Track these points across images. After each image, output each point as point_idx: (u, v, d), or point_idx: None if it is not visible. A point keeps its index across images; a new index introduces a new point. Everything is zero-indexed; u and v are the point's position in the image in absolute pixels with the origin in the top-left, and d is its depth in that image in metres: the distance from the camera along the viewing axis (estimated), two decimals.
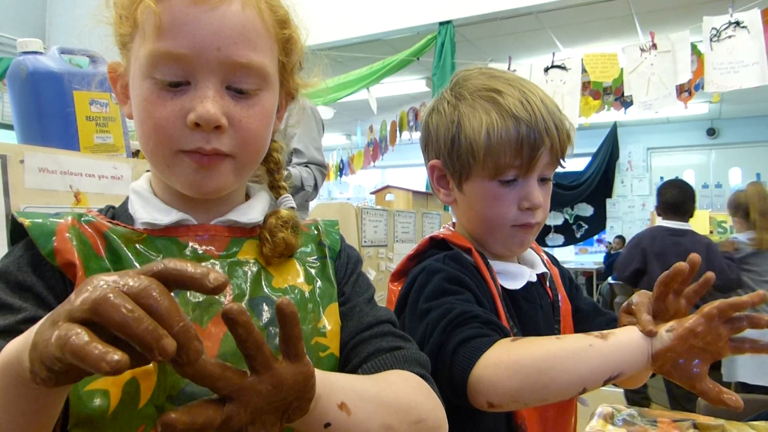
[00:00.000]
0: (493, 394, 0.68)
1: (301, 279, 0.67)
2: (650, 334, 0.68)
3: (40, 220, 0.59)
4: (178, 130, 0.58)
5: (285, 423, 0.46)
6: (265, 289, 0.64)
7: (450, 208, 0.96)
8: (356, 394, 0.55)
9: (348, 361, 0.66)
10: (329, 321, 0.66)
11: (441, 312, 0.76)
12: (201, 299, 0.60)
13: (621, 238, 8.06)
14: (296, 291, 0.66)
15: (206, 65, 0.57)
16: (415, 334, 0.78)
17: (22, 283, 0.57)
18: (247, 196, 0.72)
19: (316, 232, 0.73)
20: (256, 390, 0.42)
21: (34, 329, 0.41)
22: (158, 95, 0.57)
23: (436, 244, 0.94)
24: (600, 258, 8.36)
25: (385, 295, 0.98)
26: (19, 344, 0.42)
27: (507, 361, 0.68)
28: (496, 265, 0.90)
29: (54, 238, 0.57)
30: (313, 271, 0.69)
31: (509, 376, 0.68)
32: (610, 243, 8.24)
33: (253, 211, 0.67)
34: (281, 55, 0.65)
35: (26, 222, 0.58)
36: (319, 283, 0.68)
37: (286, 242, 0.66)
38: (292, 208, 0.71)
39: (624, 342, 0.68)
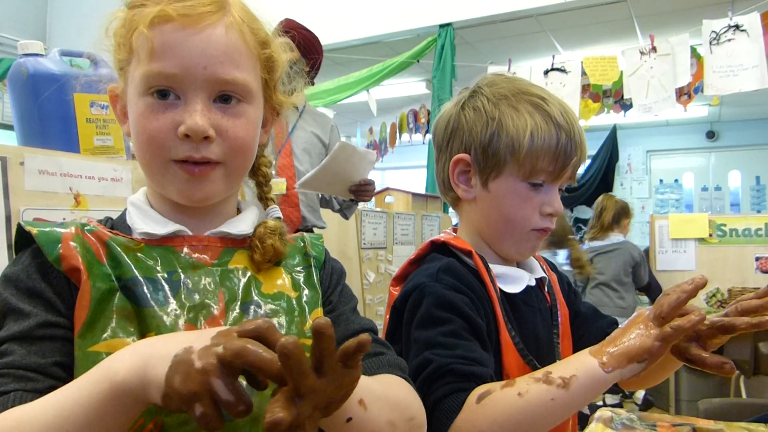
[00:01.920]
0: None
1: (288, 286, 0.72)
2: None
3: (47, 229, 0.63)
4: (169, 141, 0.63)
5: (323, 415, 0.51)
6: (255, 295, 0.69)
7: (449, 210, 0.96)
8: (370, 392, 0.60)
9: None
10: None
11: (420, 362, 0.78)
12: (196, 303, 0.65)
13: None
14: (284, 297, 0.71)
15: (194, 82, 0.63)
16: (408, 359, 0.81)
17: (32, 289, 0.61)
18: (238, 210, 0.77)
19: (302, 243, 0.78)
20: (322, 390, 0.47)
21: (156, 370, 0.46)
22: (152, 110, 0.63)
23: (436, 248, 0.94)
24: None
25: (384, 297, 0.99)
26: (136, 376, 0.47)
27: None
28: (496, 268, 0.91)
29: (60, 245, 0.62)
30: (299, 279, 0.74)
31: None
32: None
33: (243, 223, 0.72)
34: (263, 72, 0.70)
35: (34, 230, 0.62)
36: (305, 290, 0.73)
37: (274, 249, 0.71)
38: (279, 218, 0.76)
39: (586, 385, 0.68)
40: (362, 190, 2.26)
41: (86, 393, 0.49)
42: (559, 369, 0.71)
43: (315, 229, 2.46)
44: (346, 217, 2.63)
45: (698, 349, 0.72)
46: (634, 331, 0.69)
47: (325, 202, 2.62)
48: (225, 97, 0.65)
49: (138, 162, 0.68)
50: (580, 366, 0.69)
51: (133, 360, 0.48)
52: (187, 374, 0.45)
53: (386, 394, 0.63)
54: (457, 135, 0.92)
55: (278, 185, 2.14)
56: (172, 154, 0.63)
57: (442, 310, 0.81)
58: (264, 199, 0.79)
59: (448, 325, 0.80)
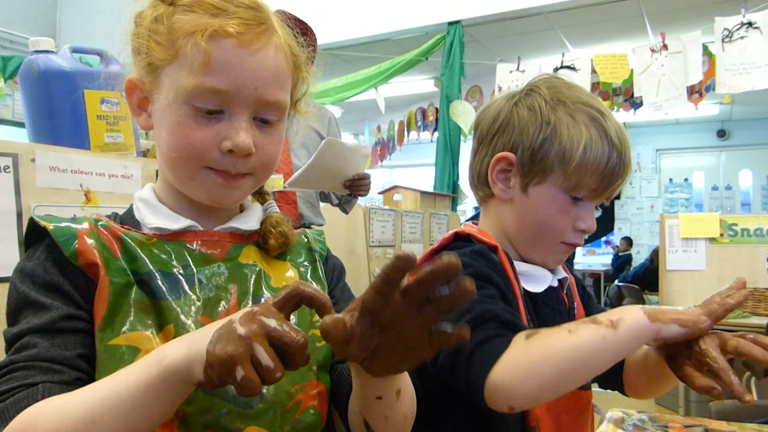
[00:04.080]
0: (513, 399, 0.68)
1: (296, 279, 0.74)
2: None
3: (62, 224, 0.64)
4: (211, 153, 0.65)
5: (390, 369, 0.54)
6: (265, 289, 0.71)
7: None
8: (406, 387, 0.64)
9: None
10: None
11: (461, 310, 0.75)
12: (210, 296, 0.66)
13: (627, 239, 8.02)
14: None
15: (243, 101, 0.65)
16: None
17: (49, 282, 0.61)
18: (240, 207, 0.79)
19: (306, 239, 0.80)
20: (400, 318, 0.49)
21: (198, 345, 0.49)
22: (195, 120, 0.64)
23: (461, 239, 0.92)
24: (608, 260, 8.32)
25: None
26: (182, 355, 0.50)
27: (525, 365, 0.68)
28: (520, 266, 0.89)
29: (76, 241, 0.62)
30: (305, 273, 0.76)
31: (528, 380, 0.67)
32: (617, 245, 8.21)
33: (252, 219, 0.75)
34: (293, 91, 0.73)
35: (49, 226, 0.63)
36: (312, 283, 0.75)
37: (285, 234, 0.74)
38: (278, 212, 0.79)
39: (632, 330, 0.68)
40: (357, 185, 2.24)
41: (135, 377, 0.51)
42: (604, 315, 0.70)
43: (313, 227, 2.44)
44: (346, 212, 2.61)
45: (691, 369, 0.72)
46: (684, 310, 0.70)
47: (324, 197, 2.60)
48: (264, 115, 0.67)
49: (164, 161, 0.69)
50: (625, 312, 0.69)
51: (179, 344, 0.51)
52: (229, 340, 0.47)
53: (412, 390, 0.67)
54: (506, 131, 0.89)
55: (275, 182, 2.11)
56: (210, 164, 0.66)
57: (479, 280, 0.79)
58: (260, 193, 0.81)
59: (486, 290, 0.78)
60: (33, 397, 0.54)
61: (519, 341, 0.70)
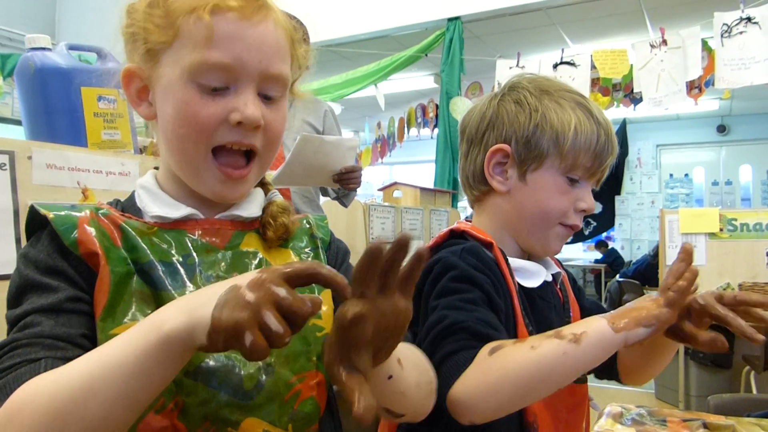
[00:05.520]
0: (473, 416, 0.72)
1: None
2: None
3: (63, 213, 0.64)
4: (219, 127, 0.65)
5: (377, 360, 0.54)
6: None
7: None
8: (403, 353, 0.63)
9: None
10: (324, 304, 0.72)
11: (435, 319, 0.78)
12: (212, 282, 0.66)
13: (602, 242, 8.11)
14: None
15: (249, 75, 0.64)
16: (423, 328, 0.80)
17: (53, 267, 0.61)
18: None
19: (308, 225, 0.79)
20: (382, 309, 0.51)
21: (200, 311, 0.48)
22: (201, 98, 0.64)
23: (456, 237, 0.93)
24: (611, 257, 8.33)
25: None
26: (182, 322, 0.49)
27: (485, 384, 0.71)
28: (515, 262, 0.90)
29: (76, 230, 0.62)
30: (307, 259, 0.75)
31: (487, 399, 0.71)
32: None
33: (253, 206, 0.74)
34: (292, 69, 0.72)
35: (50, 215, 0.63)
36: None
37: (286, 226, 0.73)
38: (280, 199, 0.78)
39: (596, 343, 0.69)
40: (346, 178, 2.22)
41: (134, 345, 0.50)
42: (570, 327, 0.72)
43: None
44: (345, 205, 2.60)
45: (691, 327, 0.74)
46: (644, 303, 0.71)
47: (324, 190, 2.59)
48: (268, 91, 0.67)
49: (168, 145, 0.68)
50: (590, 325, 0.71)
51: (178, 309, 0.50)
52: (236, 306, 0.47)
53: (412, 356, 0.67)
54: (496, 127, 0.92)
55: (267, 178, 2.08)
56: (217, 140, 0.65)
57: (464, 283, 0.81)
58: (263, 184, 0.80)
59: (468, 294, 0.80)
60: (35, 371, 0.53)
61: (482, 357, 0.72)
